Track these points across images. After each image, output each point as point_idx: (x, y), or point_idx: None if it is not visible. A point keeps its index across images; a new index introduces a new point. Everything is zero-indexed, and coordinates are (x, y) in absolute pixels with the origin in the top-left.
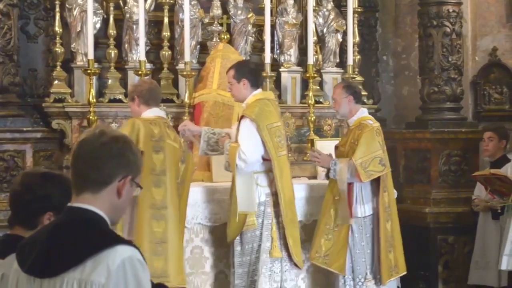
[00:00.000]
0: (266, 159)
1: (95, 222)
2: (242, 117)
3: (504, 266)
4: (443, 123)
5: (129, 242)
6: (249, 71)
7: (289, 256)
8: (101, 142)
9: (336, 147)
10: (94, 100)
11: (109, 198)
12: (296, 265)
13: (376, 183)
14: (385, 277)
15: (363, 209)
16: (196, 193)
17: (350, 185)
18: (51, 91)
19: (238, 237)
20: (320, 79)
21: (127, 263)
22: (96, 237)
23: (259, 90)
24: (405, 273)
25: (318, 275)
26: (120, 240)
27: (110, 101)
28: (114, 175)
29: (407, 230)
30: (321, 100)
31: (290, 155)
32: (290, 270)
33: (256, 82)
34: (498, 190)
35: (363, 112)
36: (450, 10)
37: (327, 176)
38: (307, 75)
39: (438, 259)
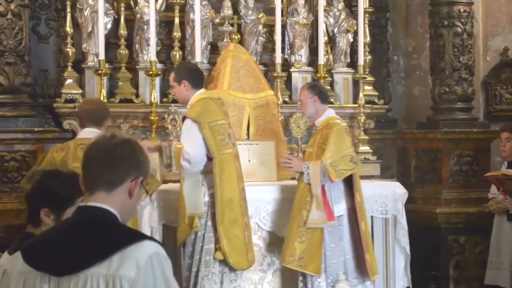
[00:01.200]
0: (211, 159)
1: (112, 219)
2: (184, 118)
3: None
4: (454, 123)
5: (153, 238)
6: (189, 72)
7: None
8: (113, 144)
9: (304, 151)
10: (105, 100)
11: (121, 198)
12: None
13: (347, 183)
14: (371, 274)
15: (340, 208)
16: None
17: (323, 186)
18: (62, 91)
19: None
20: (330, 79)
21: (155, 259)
22: (122, 232)
23: (202, 90)
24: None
25: (284, 278)
26: (145, 236)
27: (121, 101)
28: (126, 175)
29: (417, 231)
30: (331, 100)
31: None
32: (229, 273)
33: (198, 82)
34: (510, 190)
35: (330, 112)
36: (461, 10)
37: (296, 178)
38: (318, 75)
39: (449, 259)
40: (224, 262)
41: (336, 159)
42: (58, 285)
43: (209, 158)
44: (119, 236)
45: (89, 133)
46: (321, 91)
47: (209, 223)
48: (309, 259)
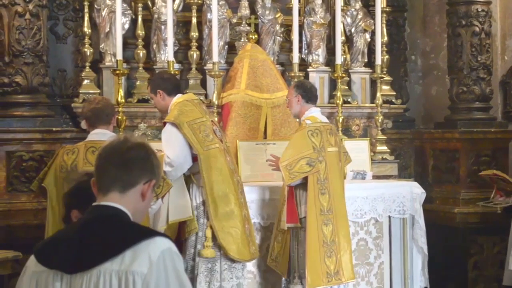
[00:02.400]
0: (197, 158)
1: (124, 218)
2: (164, 124)
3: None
4: (472, 123)
5: (165, 235)
6: (162, 82)
7: (226, 254)
8: (127, 146)
9: None
10: (123, 100)
11: (133, 200)
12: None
13: None
14: (312, 282)
15: (302, 210)
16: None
17: (291, 188)
18: (80, 91)
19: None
20: (348, 79)
21: (167, 255)
22: (134, 228)
23: (178, 95)
24: (352, 280)
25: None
26: (157, 233)
27: (139, 101)
28: (140, 177)
29: (435, 231)
30: (349, 100)
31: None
32: (229, 269)
33: (173, 90)
34: (504, 189)
35: (310, 112)
36: (479, 10)
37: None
38: (335, 75)
39: (467, 259)
40: (221, 259)
41: (292, 161)
42: (71, 283)
43: (195, 159)
44: (131, 232)
45: (99, 135)
46: (305, 90)
47: (202, 221)
48: (282, 260)
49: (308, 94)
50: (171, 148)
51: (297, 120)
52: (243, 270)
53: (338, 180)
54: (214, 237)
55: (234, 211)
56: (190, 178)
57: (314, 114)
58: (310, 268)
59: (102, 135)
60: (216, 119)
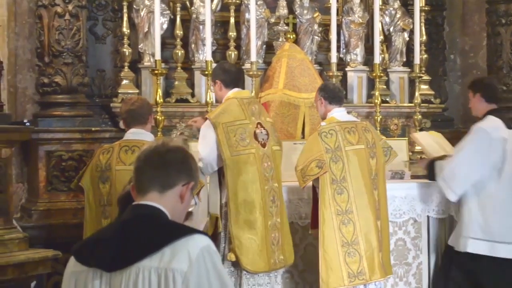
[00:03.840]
0: None
1: (163, 216)
2: (204, 119)
3: None
4: None
5: (203, 232)
6: (222, 72)
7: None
8: (166, 149)
9: None
10: (161, 100)
11: (172, 201)
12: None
13: None
14: (331, 282)
15: None
16: None
17: (315, 192)
18: (119, 91)
19: None
20: (386, 78)
21: (206, 252)
22: (173, 226)
23: (235, 89)
24: (381, 279)
25: None
26: (195, 230)
27: (177, 101)
28: (178, 179)
29: None
30: (387, 99)
31: None
32: (252, 276)
33: (230, 82)
34: None
35: (332, 113)
36: None
37: None
38: (373, 74)
39: None
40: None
41: (305, 165)
42: (110, 281)
43: None
44: (170, 229)
45: (133, 135)
46: (327, 92)
47: (224, 222)
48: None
49: (331, 95)
50: (203, 145)
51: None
52: (268, 278)
53: (362, 179)
54: (230, 242)
55: (257, 221)
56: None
57: (334, 114)
58: (327, 268)
59: (136, 135)
60: (270, 119)
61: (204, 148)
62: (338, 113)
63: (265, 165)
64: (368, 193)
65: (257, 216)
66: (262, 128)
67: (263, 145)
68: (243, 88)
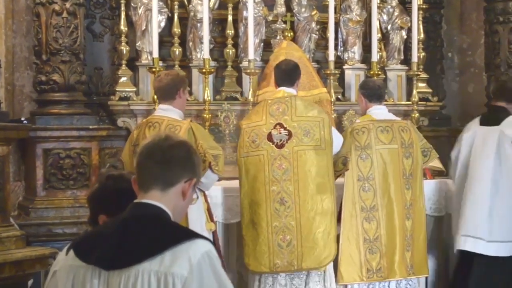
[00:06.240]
0: None
1: (165, 217)
2: None
3: None
4: None
5: (206, 237)
6: (275, 70)
7: None
8: (169, 144)
9: None
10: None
11: (174, 198)
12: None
13: None
14: (347, 276)
15: None
16: None
17: None
18: (117, 89)
19: None
20: (384, 76)
21: (207, 258)
22: (175, 229)
23: (280, 88)
24: (398, 278)
25: None
26: (198, 234)
27: None
28: (181, 176)
29: None
30: (385, 97)
31: None
32: (268, 277)
33: (277, 80)
34: None
35: (369, 111)
36: None
37: None
38: (371, 72)
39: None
40: None
41: (335, 160)
42: (108, 280)
43: None
44: (172, 233)
45: (159, 111)
46: (366, 89)
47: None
48: None
49: (370, 93)
50: None
51: None
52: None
53: (392, 178)
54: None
55: (260, 222)
56: None
57: (372, 112)
58: (345, 262)
59: (162, 111)
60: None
61: None
62: (376, 110)
63: (277, 166)
64: (397, 192)
65: (262, 217)
66: (282, 129)
67: (280, 146)
68: (291, 85)
